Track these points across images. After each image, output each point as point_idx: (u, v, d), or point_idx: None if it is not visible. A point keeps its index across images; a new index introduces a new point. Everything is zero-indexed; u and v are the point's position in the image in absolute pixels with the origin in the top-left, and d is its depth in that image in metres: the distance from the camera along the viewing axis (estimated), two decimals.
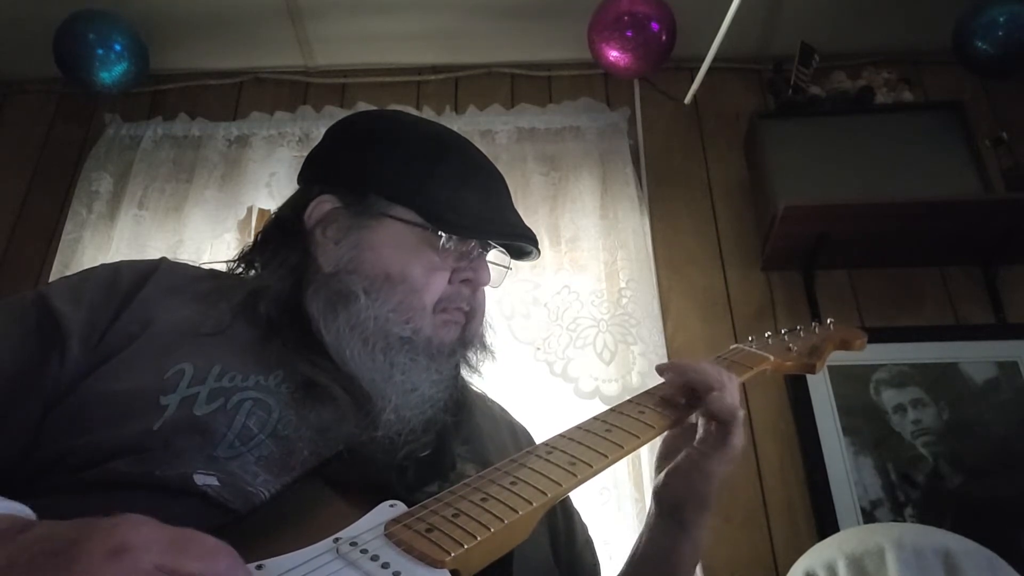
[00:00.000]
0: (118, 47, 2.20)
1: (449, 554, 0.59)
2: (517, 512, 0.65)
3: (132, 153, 2.23)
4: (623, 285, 1.93)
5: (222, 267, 0.95)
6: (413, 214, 0.87)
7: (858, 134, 1.99)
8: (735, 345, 1.03)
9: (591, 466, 0.72)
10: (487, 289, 0.93)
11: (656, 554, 0.90)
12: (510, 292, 1.92)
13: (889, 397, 1.87)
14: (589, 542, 1.01)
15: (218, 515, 0.66)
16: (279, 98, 2.37)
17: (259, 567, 0.56)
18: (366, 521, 0.63)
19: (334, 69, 2.43)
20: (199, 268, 0.93)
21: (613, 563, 0.98)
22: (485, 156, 0.97)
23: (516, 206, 0.97)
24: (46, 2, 2.20)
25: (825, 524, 1.71)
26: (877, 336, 1.35)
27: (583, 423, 0.80)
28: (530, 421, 1.06)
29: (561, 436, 0.78)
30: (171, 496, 0.66)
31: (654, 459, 0.93)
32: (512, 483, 0.68)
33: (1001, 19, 2.06)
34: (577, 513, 1.02)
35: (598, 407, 1.44)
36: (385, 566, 0.58)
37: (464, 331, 0.90)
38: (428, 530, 0.62)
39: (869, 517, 1.73)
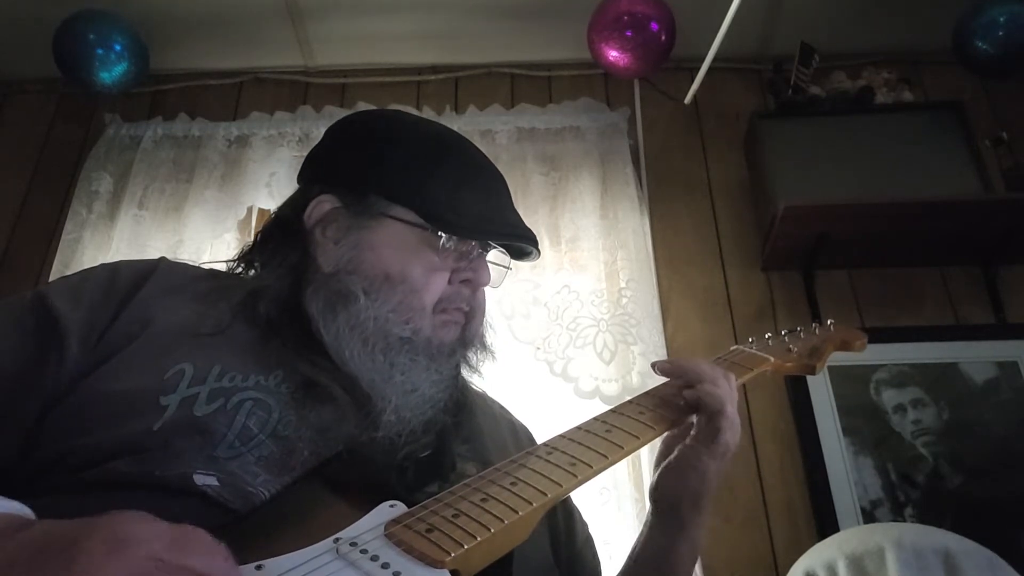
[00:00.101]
0: (118, 47, 2.20)
1: (449, 554, 0.59)
2: (517, 513, 0.65)
3: (132, 153, 2.23)
4: (623, 285, 1.93)
5: (222, 267, 0.95)
6: (413, 214, 0.87)
7: (858, 134, 1.99)
8: (735, 346, 1.03)
9: (591, 467, 0.72)
10: (487, 289, 0.93)
11: (654, 554, 0.90)
12: (510, 292, 1.92)
13: (889, 397, 1.87)
14: (589, 540, 1.01)
15: (218, 515, 0.66)
16: (279, 98, 2.36)
17: (259, 567, 0.56)
18: (366, 521, 0.63)
19: (334, 69, 2.43)
20: (198, 268, 0.93)
21: (613, 563, 0.98)
22: (485, 156, 0.97)
23: (516, 206, 0.97)
24: (46, 2, 2.20)
25: (825, 524, 1.71)
26: (877, 336, 1.36)
27: (583, 423, 0.80)
28: (530, 421, 1.06)
29: (561, 436, 0.78)
30: (171, 496, 0.66)
31: (654, 460, 0.93)
32: (512, 483, 0.69)
33: (1001, 19, 2.06)
34: (577, 511, 1.02)
35: (598, 407, 1.45)
36: (385, 566, 0.58)
37: (464, 331, 0.90)
38: (428, 530, 0.62)
39: (869, 517, 1.73)
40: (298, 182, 0.97)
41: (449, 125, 1.03)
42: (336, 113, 2.24)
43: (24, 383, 0.72)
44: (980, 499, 1.73)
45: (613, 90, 2.35)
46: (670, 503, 0.89)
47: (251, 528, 0.62)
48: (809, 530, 1.73)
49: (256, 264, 0.93)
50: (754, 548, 1.74)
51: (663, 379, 0.91)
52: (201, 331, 0.80)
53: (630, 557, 0.94)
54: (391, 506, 0.66)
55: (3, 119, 2.43)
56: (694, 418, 0.87)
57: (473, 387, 0.98)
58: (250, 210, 2.15)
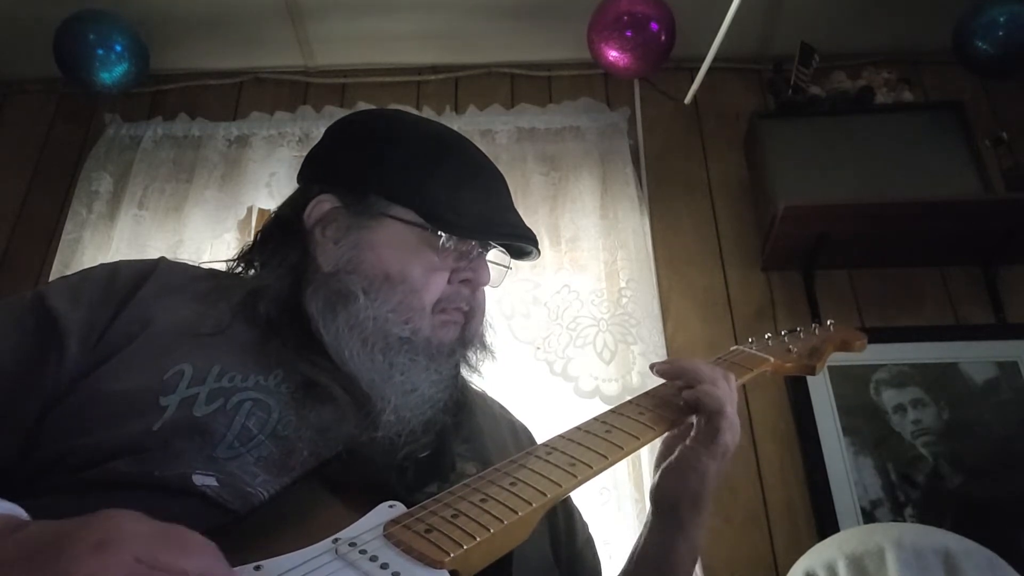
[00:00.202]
0: (118, 47, 2.20)
1: (448, 555, 0.59)
2: (516, 513, 0.65)
3: (132, 153, 2.23)
4: (623, 285, 1.93)
5: (221, 267, 0.95)
6: (413, 214, 0.86)
7: (858, 134, 1.99)
8: (735, 347, 1.03)
9: (591, 467, 0.72)
10: (487, 289, 0.93)
11: (654, 554, 0.90)
12: (510, 292, 1.92)
13: (889, 397, 1.87)
14: (590, 540, 1.01)
15: (217, 515, 0.66)
16: (279, 98, 2.36)
17: (257, 567, 0.56)
18: (365, 522, 0.63)
19: (334, 69, 2.42)
20: (198, 268, 0.93)
21: (613, 563, 0.98)
22: (485, 156, 0.97)
23: (516, 206, 0.97)
24: (46, 2, 2.20)
25: (825, 524, 1.71)
26: (877, 336, 1.36)
27: (583, 424, 0.80)
28: (530, 420, 1.06)
29: (561, 437, 0.78)
30: (170, 496, 0.66)
31: (654, 460, 0.93)
32: (512, 484, 0.68)
33: (1001, 19, 2.06)
34: (577, 511, 1.02)
35: (598, 406, 1.45)
36: (384, 567, 0.58)
37: (464, 331, 0.90)
38: (427, 531, 0.62)
39: (869, 517, 1.73)
40: (298, 182, 0.97)
41: (449, 125, 1.03)
42: (336, 113, 2.24)
43: (24, 383, 0.72)
44: (980, 499, 1.73)
45: (613, 90, 2.35)
46: (670, 504, 0.89)
47: (250, 528, 0.62)
48: (809, 530, 1.73)
49: (256, 264, 0.93)
50: (754, 548, 1.74)
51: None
52: (201, 331, 0.80)
53: (630, 557, 0.94)
54: (390, 506, 0.66)
55: (3, 119, 2.43)
56: (694, 418, 0.87)
57: (473, 387, 0.97)
58: (250, 210, 2.15)
